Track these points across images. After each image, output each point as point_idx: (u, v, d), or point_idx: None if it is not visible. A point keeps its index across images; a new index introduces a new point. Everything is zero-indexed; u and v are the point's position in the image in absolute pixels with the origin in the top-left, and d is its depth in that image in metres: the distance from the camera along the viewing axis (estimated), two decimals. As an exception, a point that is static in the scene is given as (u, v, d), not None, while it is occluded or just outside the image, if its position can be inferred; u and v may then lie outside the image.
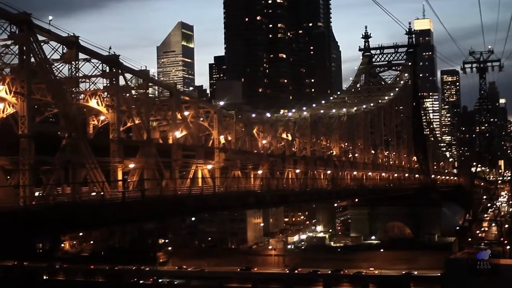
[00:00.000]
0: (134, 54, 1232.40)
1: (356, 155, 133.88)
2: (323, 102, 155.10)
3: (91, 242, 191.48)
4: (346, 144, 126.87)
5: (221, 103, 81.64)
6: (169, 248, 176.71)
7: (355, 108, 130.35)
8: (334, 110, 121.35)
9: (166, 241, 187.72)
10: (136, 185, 55.87)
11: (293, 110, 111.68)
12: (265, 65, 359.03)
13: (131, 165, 57.04)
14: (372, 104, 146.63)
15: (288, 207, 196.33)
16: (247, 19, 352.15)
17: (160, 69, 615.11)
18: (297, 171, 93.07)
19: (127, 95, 59.82)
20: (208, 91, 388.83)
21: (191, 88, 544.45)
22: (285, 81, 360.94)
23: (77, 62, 53.90)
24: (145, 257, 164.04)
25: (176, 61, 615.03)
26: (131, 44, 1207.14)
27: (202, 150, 68.83)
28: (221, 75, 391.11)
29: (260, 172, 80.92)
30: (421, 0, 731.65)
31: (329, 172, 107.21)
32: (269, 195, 78.40)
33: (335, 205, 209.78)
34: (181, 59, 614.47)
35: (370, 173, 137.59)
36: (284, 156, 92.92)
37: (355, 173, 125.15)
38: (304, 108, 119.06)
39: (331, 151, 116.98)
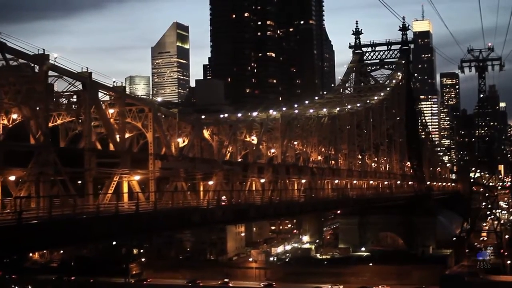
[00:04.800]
0: (132, 55, 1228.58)
1: (340, 161, 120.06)
2: (306, 102, 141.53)
3: (61, 251, 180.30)
4: (327, 149, 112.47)
5: (159, 99, 68.08)
6: (143, 259, 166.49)
7: (338, 109, 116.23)
8: (312, 110, 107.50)
9: (141, 251, 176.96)
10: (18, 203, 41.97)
11: (272, 111, 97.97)
12: (253, 64, 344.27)
13: (12, 177, 43.40)
14: (359, 105, 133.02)
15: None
16: (234, 16, 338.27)
17: (154, 70, 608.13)
18: (262, 180, 79.39)
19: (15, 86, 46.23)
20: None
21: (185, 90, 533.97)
22: (274, 81, 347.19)
23: None
24: (117, 268, 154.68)
25: (171, 62, 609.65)
26: (129, 45, 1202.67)
27: (129, 156, 55.10)
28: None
29: (211, 183, 67.43)
30: (420, 2, 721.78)
31: (304, 181, 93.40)
32: (220, 211, 64.74)
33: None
34: (176, 60, 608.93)
35: (355, 181, 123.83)
36: (246, 163, 79.34)
37: (337, 181, 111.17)
38: (284, 109, 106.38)
39: (308, 157, 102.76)
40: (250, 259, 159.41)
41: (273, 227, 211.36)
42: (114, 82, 54.46)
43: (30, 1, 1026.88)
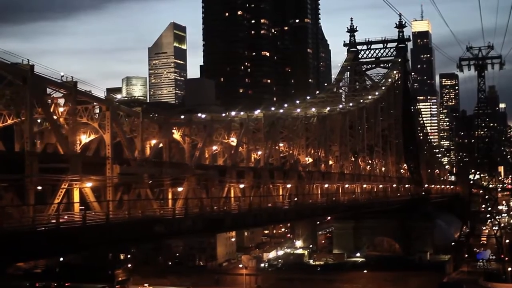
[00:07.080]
0: (130, 56, 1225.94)
1: (331, 164, 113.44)
2: (297, 102, 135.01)
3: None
4: (316, 151, 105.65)
5: (118, 96, 61.74)
6: (129, 265, 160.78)
7: (328, 108, 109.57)
8: (299, 110, 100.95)
9: (129, 256, 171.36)
10: None
11: (257, 111, 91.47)
12: (246, 63, 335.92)
13: None
14: (351, 104, 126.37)
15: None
16: (227, 14, 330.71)
17: (151, 70, 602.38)
18: (241, 186, 72.86)
19: None
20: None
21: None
22: (269, 81, 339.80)
23: None
24: (102, 274, 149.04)
25: (168, 63, 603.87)
26: (127, 46, 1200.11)
27: (79, 161, 48.54)
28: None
29: (180, 189, 60.92)
30: (419, 3, 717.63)
31: (289, 186, 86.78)
32: (189, 221, 58.30)
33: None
34: (173, 60, 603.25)
35: (347, 185, 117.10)
36: (223, 167, 72.81)
37: (327, 185, 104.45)
38: (273, 109, 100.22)
39: (296, 160, 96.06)
40: (240, 265, 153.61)
41: (266, 231, 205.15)
42: (62, 76, 48.04)
43: (29, 2, 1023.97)
